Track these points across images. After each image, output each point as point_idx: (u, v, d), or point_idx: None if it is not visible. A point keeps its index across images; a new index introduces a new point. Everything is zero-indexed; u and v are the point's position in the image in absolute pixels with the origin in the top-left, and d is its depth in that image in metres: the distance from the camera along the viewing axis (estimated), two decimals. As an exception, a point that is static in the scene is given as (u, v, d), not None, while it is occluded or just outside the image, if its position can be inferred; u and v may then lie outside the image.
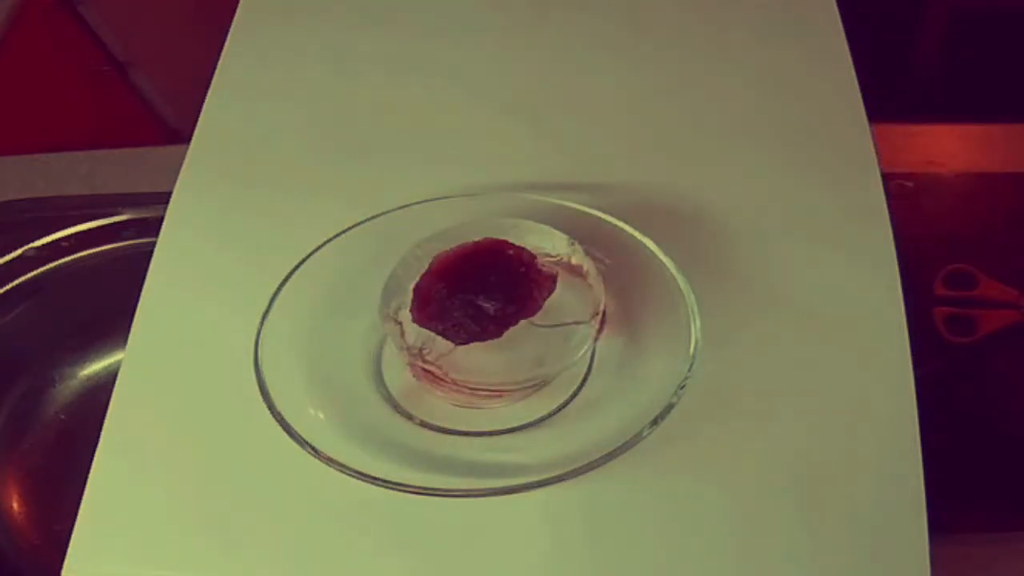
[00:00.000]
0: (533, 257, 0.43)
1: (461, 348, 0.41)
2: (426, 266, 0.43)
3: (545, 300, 0.42)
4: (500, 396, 0.44)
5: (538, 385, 0.44)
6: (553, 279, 0.43)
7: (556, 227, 0.47)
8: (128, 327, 0.48)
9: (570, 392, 0.44)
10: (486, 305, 0.41)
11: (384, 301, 0.44)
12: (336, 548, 0.42)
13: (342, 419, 0.43)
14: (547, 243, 0.45)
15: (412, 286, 0.43)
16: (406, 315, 0.43)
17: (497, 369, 0.42)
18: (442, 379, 0.42)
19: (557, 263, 0.44)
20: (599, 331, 0.43)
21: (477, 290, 0.42)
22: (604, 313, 0.43)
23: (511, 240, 0.44)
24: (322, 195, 0.53)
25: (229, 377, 0.45)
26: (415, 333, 0.42)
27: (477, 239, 0.44)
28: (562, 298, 0.43)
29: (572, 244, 0.45)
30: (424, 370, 0.42)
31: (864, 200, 0.51)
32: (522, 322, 0.42)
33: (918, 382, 0.44)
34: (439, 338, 0.42)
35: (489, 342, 0.41)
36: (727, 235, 0.50)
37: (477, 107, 0.57)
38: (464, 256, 0.43)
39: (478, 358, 0.42)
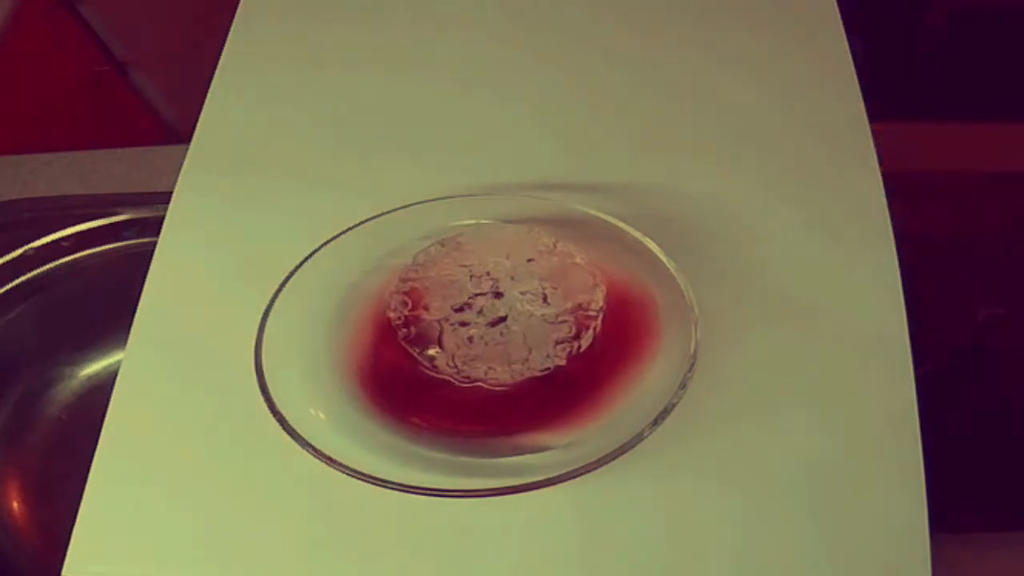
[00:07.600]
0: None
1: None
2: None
3: None
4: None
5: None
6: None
7: (557, 226, 0.47)
8: (128, 327, 0.48)
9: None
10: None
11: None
12: (336, 548, 0.42)
13: (343, 419, 0.43)
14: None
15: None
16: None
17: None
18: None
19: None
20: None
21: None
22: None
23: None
24: (322, 195, 0.53)
25: (229, 377, 0.45)
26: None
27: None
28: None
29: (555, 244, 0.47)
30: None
31: (864, 200, 0.51)
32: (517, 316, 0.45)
33: (918, 382, 0.44)
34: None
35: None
36: (727, 235, 0.50)
37: (477, 107, 0.57)
38: None
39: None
